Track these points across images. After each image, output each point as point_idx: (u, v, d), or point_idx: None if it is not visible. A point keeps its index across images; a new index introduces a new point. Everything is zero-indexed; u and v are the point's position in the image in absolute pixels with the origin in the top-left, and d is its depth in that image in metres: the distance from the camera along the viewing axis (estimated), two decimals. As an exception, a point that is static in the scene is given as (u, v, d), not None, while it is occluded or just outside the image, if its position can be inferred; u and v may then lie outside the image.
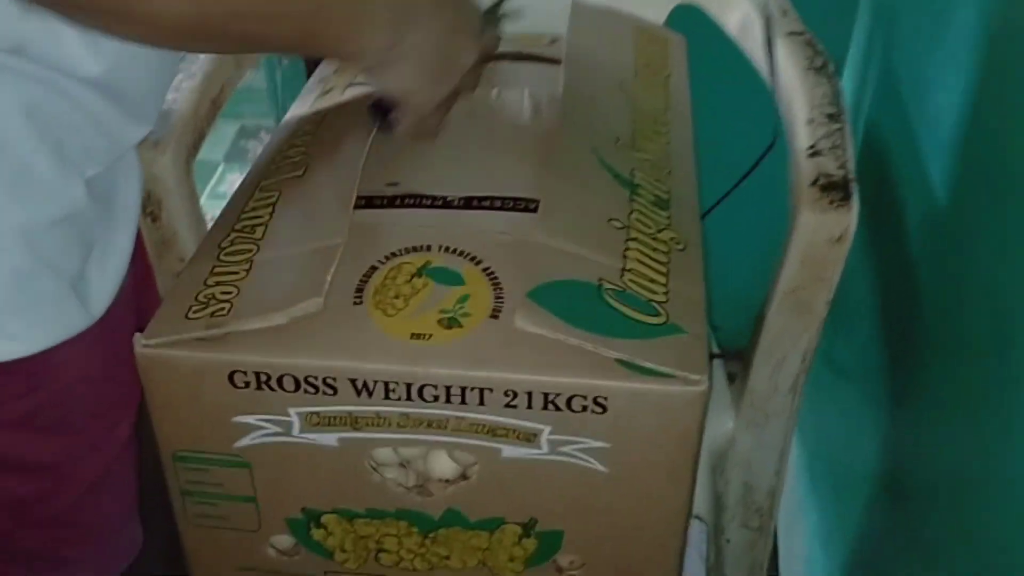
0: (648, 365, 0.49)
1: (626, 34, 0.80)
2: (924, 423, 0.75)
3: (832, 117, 0.70)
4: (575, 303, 0.51)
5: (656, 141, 0.67)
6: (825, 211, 0.62)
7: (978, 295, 0.66)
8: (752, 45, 0.80)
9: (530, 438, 0.52)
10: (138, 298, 0.62)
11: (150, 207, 0.69)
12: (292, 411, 0.52)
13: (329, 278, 0.52)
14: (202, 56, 0.73)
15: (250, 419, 0.52)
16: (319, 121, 0.68)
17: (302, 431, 0.53)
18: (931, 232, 0.76)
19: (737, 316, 0.83)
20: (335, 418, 0.52)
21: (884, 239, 0.84)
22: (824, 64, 0.75)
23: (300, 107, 0.71)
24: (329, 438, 0.53)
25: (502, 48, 0.78)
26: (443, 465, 0.54)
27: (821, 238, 0.63)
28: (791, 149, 0.69)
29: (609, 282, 0.53)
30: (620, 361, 0.50)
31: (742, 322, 0.79)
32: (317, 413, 0.52)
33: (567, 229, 0.56)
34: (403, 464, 0.55)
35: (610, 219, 0.57)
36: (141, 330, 0.52)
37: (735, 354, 0.75)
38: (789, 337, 0.68)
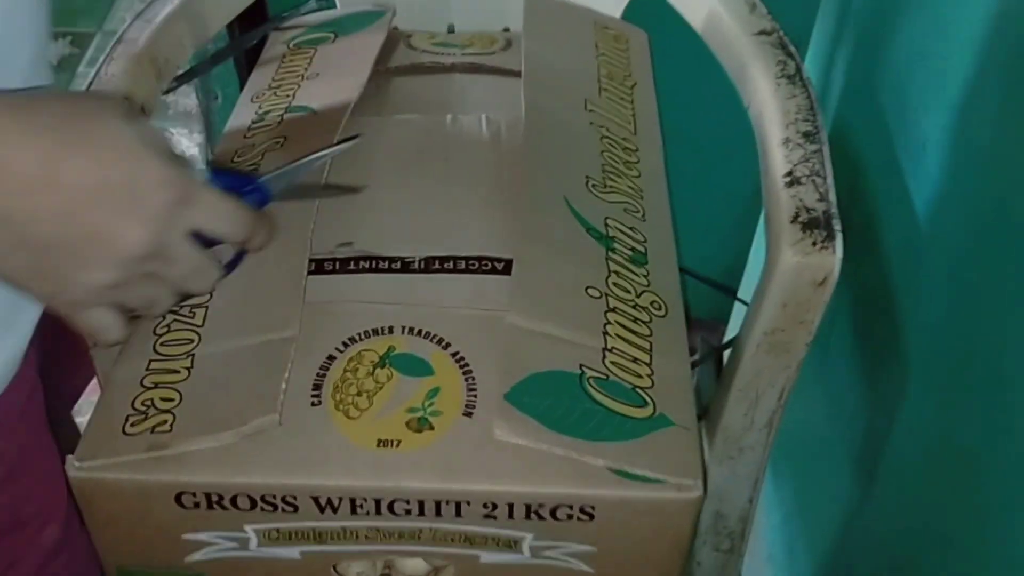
0: (638, 472, 0.46)
1: (585, 34, 0.74)
2: (893, 422, 0.73)
3: (809, 136, 0.65)
4: (556, 402, 0.47)
5: (627, 175, 0.62)
6: (807, 253, 0.59)
7: (943, 298, 0.64)
8: (719, 44, 0.74)
9: (511, 544, 0.48)
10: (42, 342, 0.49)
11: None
12: (249, 528, 0.47)
13: (284, 386, 0.47)
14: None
15: (202, 536, 0.48)
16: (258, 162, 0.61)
17: (260, 546, 0.48)
18: (903, 244, 0.73)
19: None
20: (297, 533, 0.47)
21: (854, 250, 0.82)
22: (797, 70, 0.70)
23: (232, 141, 0.64)
24: (291, 551, 0.48)
25: (453, 59, 0.72)
26: (415, 565, 0.51)
27: (803, 281, 0.59)
28: (765, 172, 0.64)
29: (591, 368, 0.49)
30: (608, 468, 0.46)
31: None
32: (277, 529, 0.47)
33: (543, 306, 0.51)
34: (370, 559, 0.51)
35: (588, 287, 0.53)
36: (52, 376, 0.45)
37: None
38: (767, 376, 0.64)
